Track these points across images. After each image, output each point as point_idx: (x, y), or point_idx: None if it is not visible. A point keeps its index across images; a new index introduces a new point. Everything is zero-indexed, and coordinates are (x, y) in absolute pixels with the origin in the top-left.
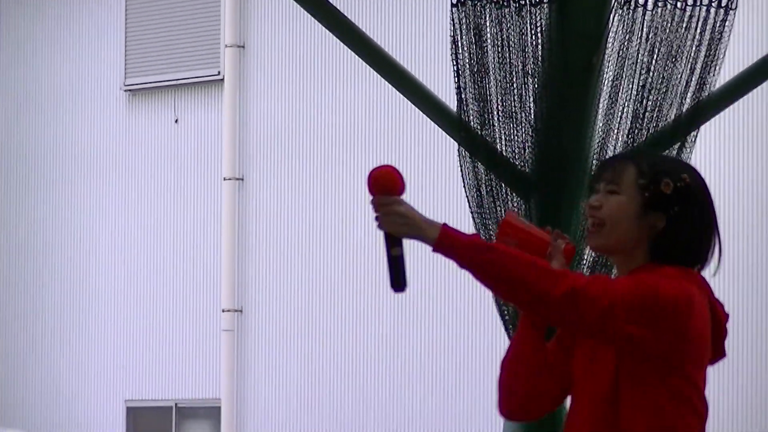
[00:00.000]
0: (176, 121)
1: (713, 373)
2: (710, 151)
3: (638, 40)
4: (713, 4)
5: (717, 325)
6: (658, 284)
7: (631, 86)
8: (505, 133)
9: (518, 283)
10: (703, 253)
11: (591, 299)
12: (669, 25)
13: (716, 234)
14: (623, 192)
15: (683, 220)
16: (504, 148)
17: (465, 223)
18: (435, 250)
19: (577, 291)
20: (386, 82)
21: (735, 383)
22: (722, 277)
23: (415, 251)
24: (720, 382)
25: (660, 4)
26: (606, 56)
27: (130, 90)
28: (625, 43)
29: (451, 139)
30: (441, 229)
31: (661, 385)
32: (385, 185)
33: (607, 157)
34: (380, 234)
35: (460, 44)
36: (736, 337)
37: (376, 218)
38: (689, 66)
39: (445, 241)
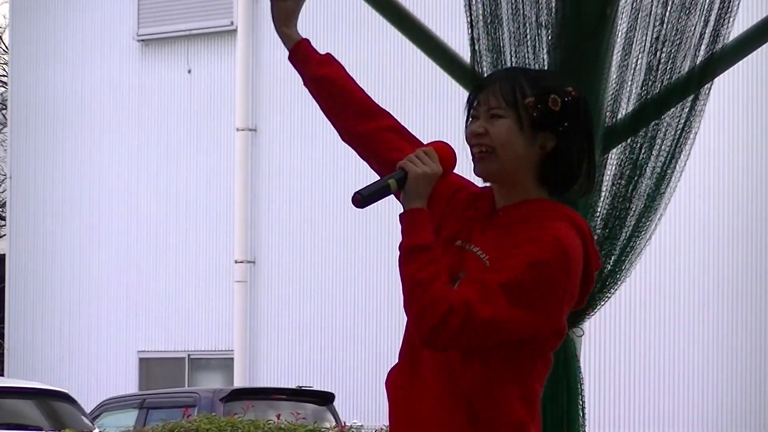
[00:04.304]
0: (189, 71)
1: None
2: (723, 104)
3: None
4: None
5: (586, 277)
6: (545, 259)
7: (644, 38)
8: None
9: (415, 297)
10: (591, 170)
11: (479, 323)
12: None
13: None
14: (508, 114)
15: (572, 136)
16: None
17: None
18: (400, 216)
19: (460, 318)
20: (399, 33)
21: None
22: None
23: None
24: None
25: None
26: (620, 7)
27: (142, 40)
28: None
29: (465, 90)
30: (416, 207)
31: (516, 355)
32: (444, 158)
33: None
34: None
35: None
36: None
37: (414, 156)
38: (703, 18)
39: (408, 215)
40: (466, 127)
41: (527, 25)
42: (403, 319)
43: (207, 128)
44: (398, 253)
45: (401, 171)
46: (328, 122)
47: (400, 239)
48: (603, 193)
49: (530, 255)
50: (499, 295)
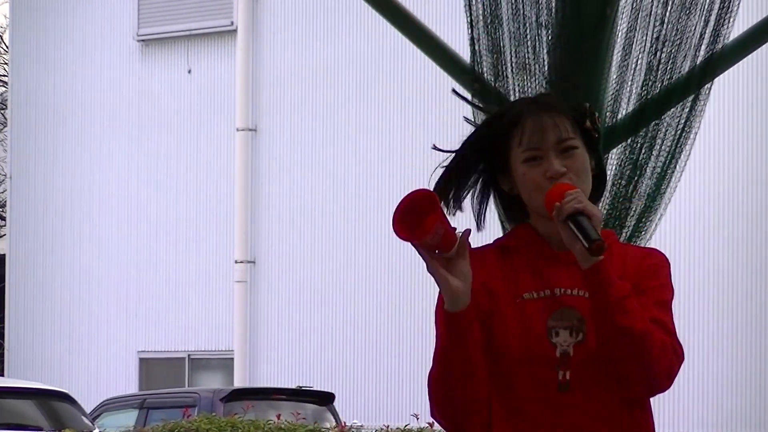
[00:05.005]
0: (189, 71)
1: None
2: (722, 106)
3: None
4: None
5: None
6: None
7: (644, 38)
8: (518, 84)
9: (642, 347)
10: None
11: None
12: None
13: None
14: (579, 143)
15: (599, 154)
16: None
17: None
18: (588, 270)
19: (681, 360)
20: (399, 33)
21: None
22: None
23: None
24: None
25: None
26: (620, 7)
27: (142, 40)
28: None
29: (464, 90)
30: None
31: None
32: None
33: (611, 110)
34: (400, 180)
35: None
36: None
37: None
38: (703, 18)
39: (602, 267)
40: (504, 174)
41: (527, 25)
42: (404, 317)
43: (207, 128)
44: (604, 306)
45: (584, 217)
46: (327, 122)
47: (603, 291)
48: (603, 193)
49: (667, 282)
50: (674, 331)
